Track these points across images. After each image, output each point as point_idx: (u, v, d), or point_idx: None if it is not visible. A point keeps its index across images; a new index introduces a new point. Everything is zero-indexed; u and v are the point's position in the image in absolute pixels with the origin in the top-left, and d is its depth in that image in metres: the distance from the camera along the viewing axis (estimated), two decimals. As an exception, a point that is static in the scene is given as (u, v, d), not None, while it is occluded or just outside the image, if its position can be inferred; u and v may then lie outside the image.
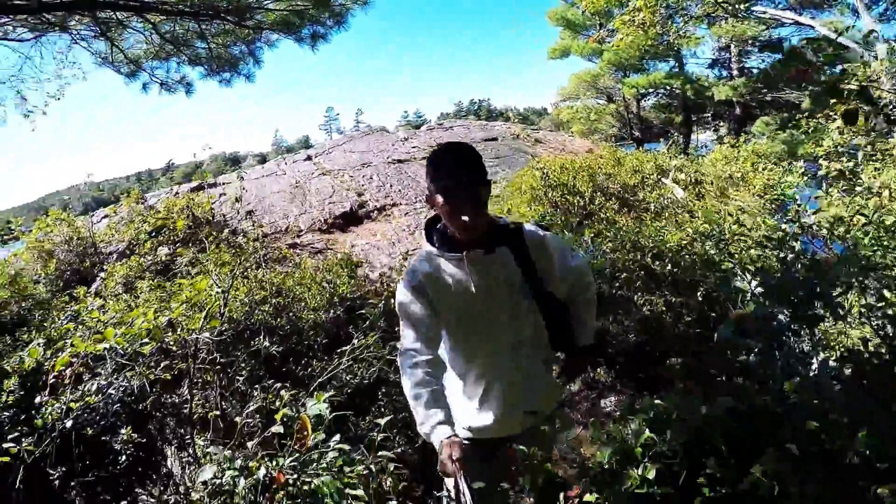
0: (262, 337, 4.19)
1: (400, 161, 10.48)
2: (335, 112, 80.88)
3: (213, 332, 4.15)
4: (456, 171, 1.56)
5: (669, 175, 6.16)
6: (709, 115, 17.25)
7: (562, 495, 1.25)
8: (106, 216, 8.04)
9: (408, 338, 1.65)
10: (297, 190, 8.80)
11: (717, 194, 5.19)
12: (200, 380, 3.44)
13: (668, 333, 3.31)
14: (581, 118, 19.02)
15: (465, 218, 1.55)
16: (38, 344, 3.66)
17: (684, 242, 3.80)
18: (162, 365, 3.74)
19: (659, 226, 4.22)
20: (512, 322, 1.69)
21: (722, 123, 16.95)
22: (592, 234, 4.58)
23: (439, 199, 1.57)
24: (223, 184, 9.47)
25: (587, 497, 1.15)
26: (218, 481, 2.07)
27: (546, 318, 1.72)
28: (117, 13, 2.59)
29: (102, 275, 5.77)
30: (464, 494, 1.42)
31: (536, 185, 6.22)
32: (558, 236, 1.84)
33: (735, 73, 15.76)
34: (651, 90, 17.17)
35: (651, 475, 1.07)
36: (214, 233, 6.76)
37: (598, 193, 5.89)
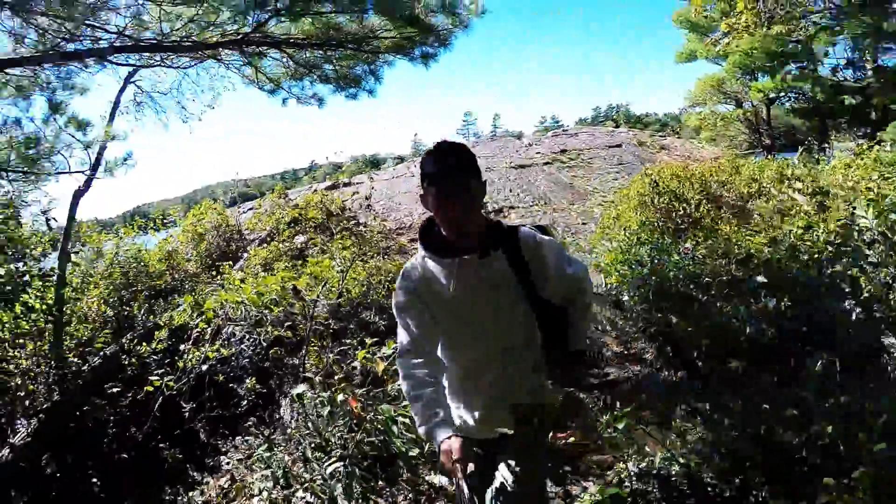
0: (372, 312, 4.87)
1: (521, 166, 10.79)
2: (473, 117, 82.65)
3: (331, 302, 4.95)
4: (445, 161, 1.55)
5: (787, 184, 5.83)
6: (844, 120, 15.21)
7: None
8: (251, 208, 9.43)
9: (405, 339, 1.67)
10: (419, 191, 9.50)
11: (838, 206, 4.82)
12: (316, 344, 4.06)
13: (730, 338, 3.29)
14: (708, 125, 17.93)
15: (458, 219, 1.55)
16: (187, 306, 4.60)
17: (770, 251, 3.77)
18: (286, 325, 4.48)
19: (747, 233, 4.24)
20: (503, 327, 1.69)
21: (859, 129, 14.94)
22: (694, 242, 4.61)
23: (430, 190, 1.56)
24: (357, 183, 10.52)
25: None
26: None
27: (540, 323, 1.72)
28: (259, 47, 3.28)
29: (245, 256, 6.86)
30: (464, 494, 1.42)
31: (645, 192, 6.21)
32: (555, 240, 1.79)
33: (870, 73, 13.78)
34: (781, 94, 15.58)
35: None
36: (342, 224, 7.70)
37: (707, 201, 5.77)
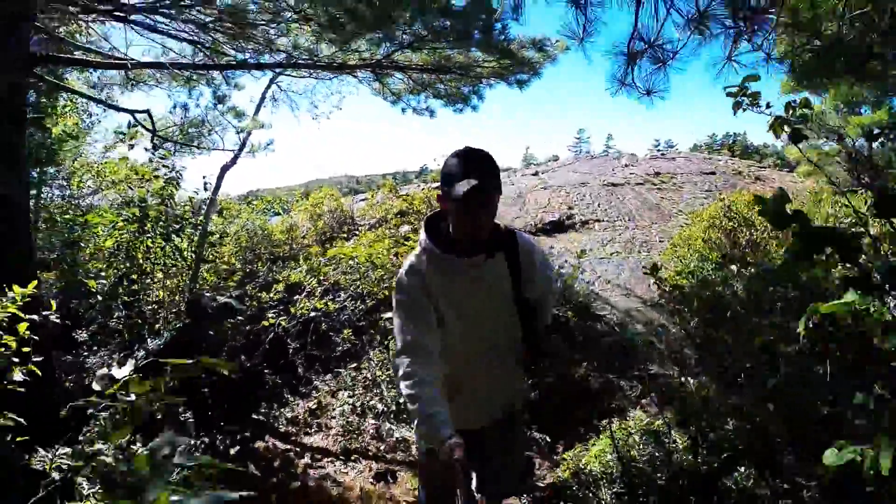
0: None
1: (613, 184, 11.11)
2: (586, 135, 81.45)
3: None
4: (475, 175, 1.53)
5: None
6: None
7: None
8: (364, 199, 10.69)
9: (408, 337, 1.63)
10: (518, 199, 10.16)
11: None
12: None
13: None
14: (806, 159, 16.69)
15: (476, 230, 1.62)
16: (301, 269, 5.66)
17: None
18: (384, 286, 5.32)
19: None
20: (495, 325, 1.78)
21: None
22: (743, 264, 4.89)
23: (452, 205, 1.61)
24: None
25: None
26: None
27: (521, 321, 1.82)
28: (386, 70, 4.20)
29: (356, 237, 7.97)
30: (463, 493, 1.44)
31: (716, 215, 6.41)
32: (539, 245, 1.91)
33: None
34: (886, 130, 14.01)
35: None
36: None
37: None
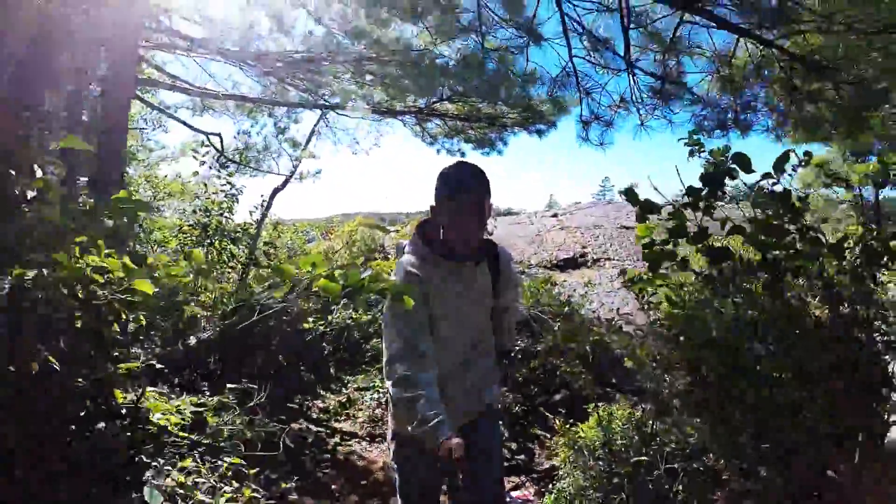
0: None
1: (626, 227, 11.74)
2: (610, 183, 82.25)
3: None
4: (468, 186, 1.68)
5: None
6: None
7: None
8: (395, 230, 11.68)
9: (402, 338, 1.66)
10: (537, 237, 10.88)
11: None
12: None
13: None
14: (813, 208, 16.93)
15: (469, 234, 1.74)
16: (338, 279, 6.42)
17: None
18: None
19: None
20: (478, 326, 1.89)
21: None
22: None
23: (447, 205, 1.72)
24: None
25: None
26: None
27: (493, 323, 1.97)
28: (427, 116, 5.08)
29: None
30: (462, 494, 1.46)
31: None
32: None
33: None
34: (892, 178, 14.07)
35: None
36: None
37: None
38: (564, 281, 8.73)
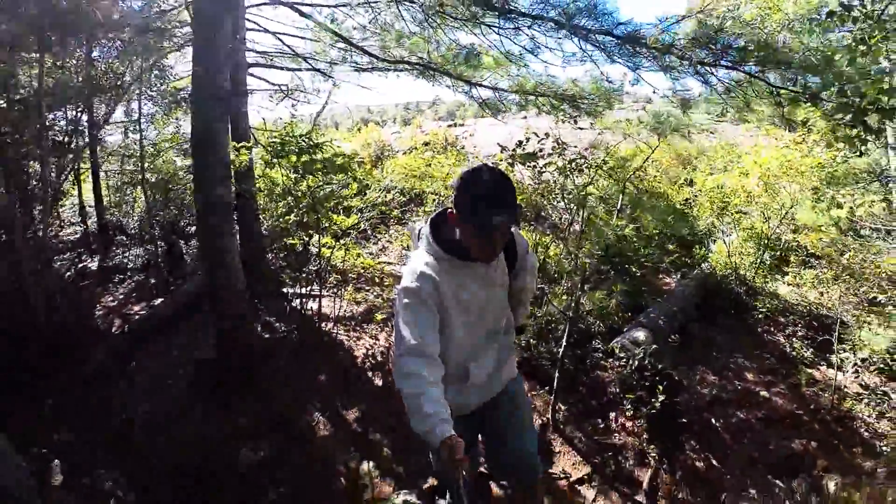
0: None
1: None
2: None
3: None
4: (504, 207, 1.59)
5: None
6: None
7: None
8: (396, 132, 11.86)
9: (411, 338, 1.64)
10: (508, 136, 13.27)
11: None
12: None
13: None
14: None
15: (493, 255, 1.73)
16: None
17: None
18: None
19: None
20: (496, 314, 1.91)
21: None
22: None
23: (469, 234, 1.67)
24: (469, 126, 12.41)
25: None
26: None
27: (511, 302, 1.99)
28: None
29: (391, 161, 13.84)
30: (462, 493, 1.49)
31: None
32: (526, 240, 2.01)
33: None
34: None
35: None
36: (454, 148, 13.57)
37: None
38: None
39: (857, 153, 3.51)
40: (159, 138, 7.97)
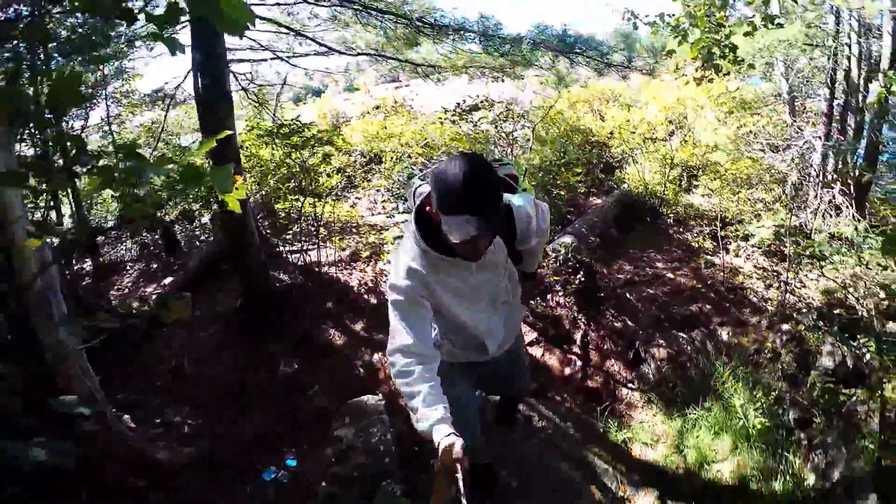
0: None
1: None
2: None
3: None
4: (478, 212, 1.44)
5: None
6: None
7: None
8: (347, 99, 12.74)
9: (404, 337, 1.63)
10: (449, 96, 14.18)
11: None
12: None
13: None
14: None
15: (477, 252, 1.64)
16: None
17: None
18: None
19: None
20: (496, 287, 1.88)
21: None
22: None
23: (448, 231, 1.50)
24: (413, 87, 13.59)
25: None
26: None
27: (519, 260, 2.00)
28: None
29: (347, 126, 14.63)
30: (463, 493, 1.44)
31: None
32: (530, 197, 1.88)
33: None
34: None
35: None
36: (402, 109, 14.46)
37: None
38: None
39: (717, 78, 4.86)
40: (132, 135, 8.60)
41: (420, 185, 1.90)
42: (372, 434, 3.02)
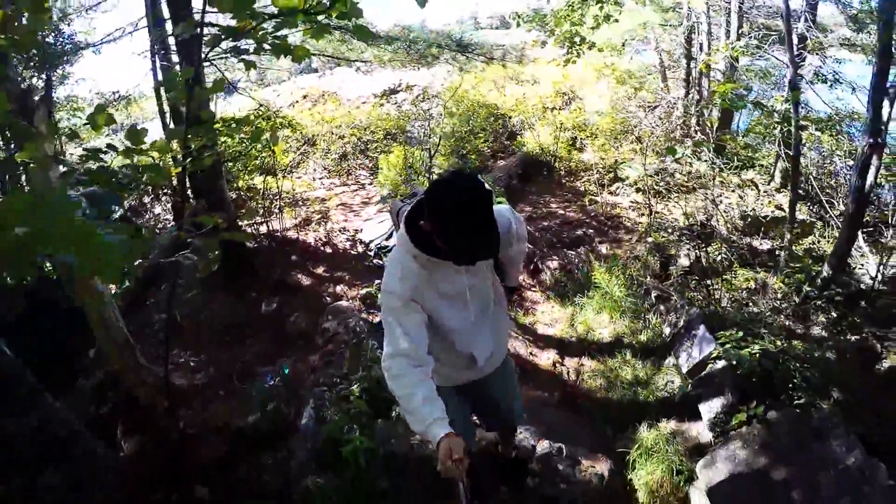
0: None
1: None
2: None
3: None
4: (477, 240, 1.53)
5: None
6: None
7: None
8: (274, 90, 14.19)
9: (398, 341, 1.65)
10: (369, 84, 15.19)
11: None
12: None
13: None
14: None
15: (473, 265, 1.74)
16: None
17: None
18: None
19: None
20: (485, 296, 1.94)
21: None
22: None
23: (456, 260, 1.63)
24: (336, 76, 14.75)
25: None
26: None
27: (501, 270, 2.07)
28: None
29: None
30: (463, 494, 1.46)
31: None
32: (510, 208, 2.00)
33: None
34: None
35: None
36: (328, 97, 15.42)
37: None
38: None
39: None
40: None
41: (403, 206, 1.89)
42: (349, 323, 4.37)
